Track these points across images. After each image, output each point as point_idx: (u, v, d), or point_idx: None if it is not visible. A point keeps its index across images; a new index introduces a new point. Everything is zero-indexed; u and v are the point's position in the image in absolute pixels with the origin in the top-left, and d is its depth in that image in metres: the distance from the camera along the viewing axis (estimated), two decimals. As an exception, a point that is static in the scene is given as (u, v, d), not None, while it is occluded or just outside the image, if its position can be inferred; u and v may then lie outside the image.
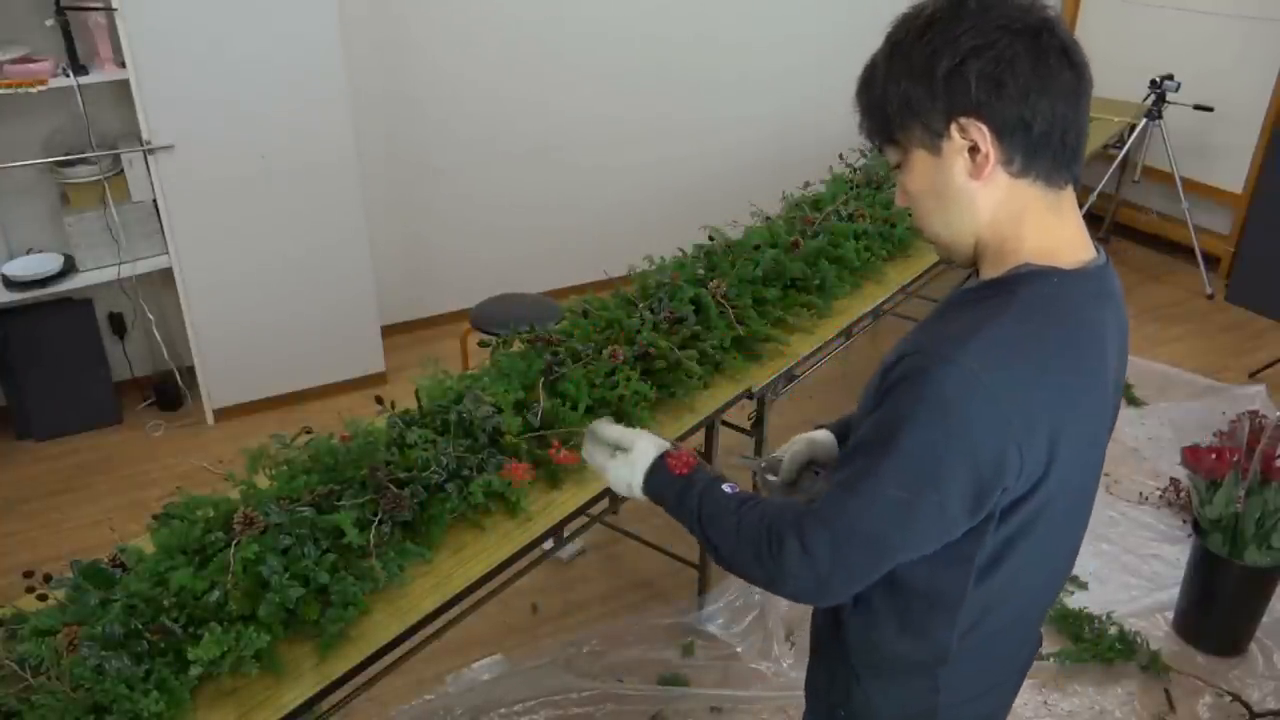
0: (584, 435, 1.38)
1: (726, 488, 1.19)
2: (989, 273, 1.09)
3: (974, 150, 1.02)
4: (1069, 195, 1.08)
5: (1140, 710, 2.46)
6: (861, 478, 1.04)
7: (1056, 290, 1.05)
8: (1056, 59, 0.99)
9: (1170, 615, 2.72)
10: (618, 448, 1.31)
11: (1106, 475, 3.28)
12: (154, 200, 3.23)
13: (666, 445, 1.28)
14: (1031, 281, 1.05)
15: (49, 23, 2.92)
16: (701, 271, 2.54)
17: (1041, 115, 1.00)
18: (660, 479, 1.25)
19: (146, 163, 3.15)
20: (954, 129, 1.02)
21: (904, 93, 1.04)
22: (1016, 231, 1.06)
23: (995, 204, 1.05)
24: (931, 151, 1.05)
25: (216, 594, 1.49)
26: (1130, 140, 4.56)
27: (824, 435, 1.42)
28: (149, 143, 3.10)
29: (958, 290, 1.13)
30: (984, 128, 1.01)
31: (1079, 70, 1.01)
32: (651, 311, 2.32)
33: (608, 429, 1.34)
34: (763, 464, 1.44)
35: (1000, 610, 1.17)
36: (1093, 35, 5.13)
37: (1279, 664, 2.59)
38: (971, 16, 1.00)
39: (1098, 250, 1.11)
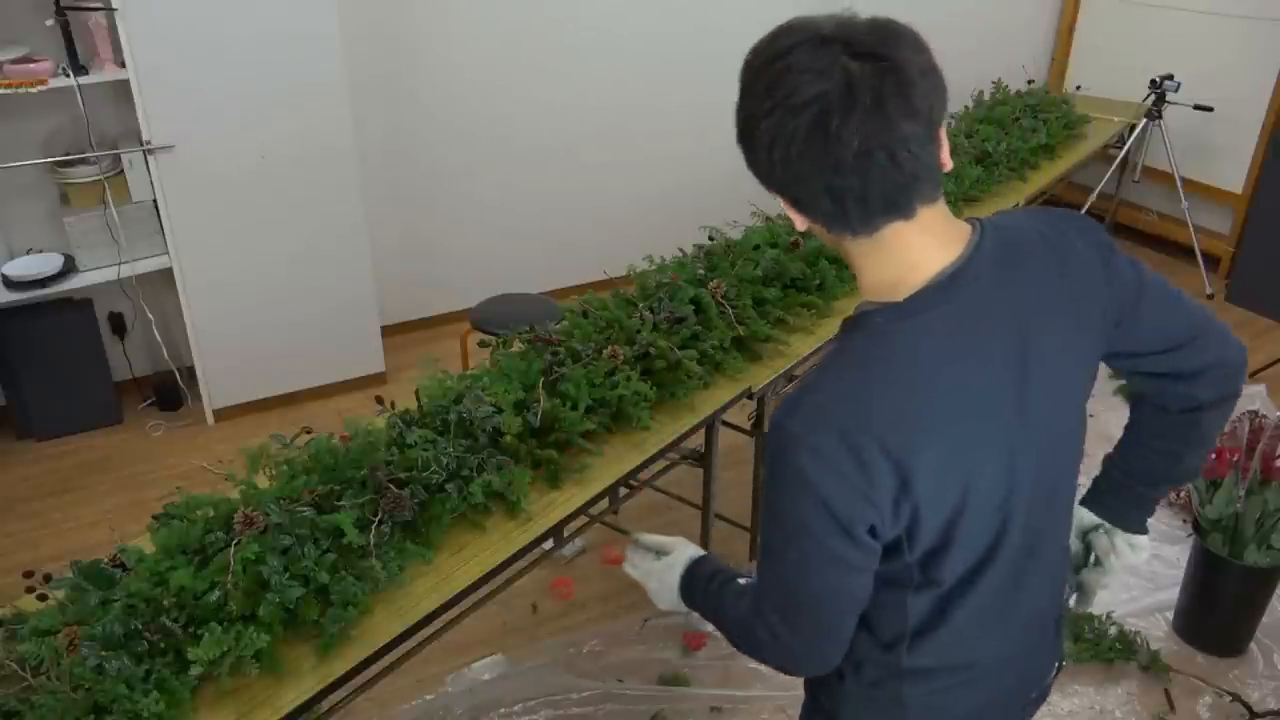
0: (627, 547, 1.43)
1: (742, 579, 1.23)
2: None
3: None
4: (909, 223, 1.01)
5: (1140, 710, 2.46)
6: (765, 547, 1.09)
7: (886, 330, 1.02)
8: (853, 119, 0.91)
9: (1170, 615, 2.72)
10: (659, 553, 1.37)
11: (1106, 475, 3.27)
12: (154, 200, 3.23)
13: (700, 554, 1.33)
14: (861, 325, 1.05)
15: (49, 23, 2.92)
16: (701, 271, 2.54)
17: (830, 191, 0.96)
18: (692, 582, 1.30)
19: (146, 163, 3.15)
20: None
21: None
22: (855, 265, 1.07)
23: (831, 244, 1.07)
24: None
25: (216, 594, 1.49)
26: (1130, 140, 4.55)
27: None
28: (149, 143, 3.10)
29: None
30: (777, 196, 1.02)
31: (894, 116, 0.92)
32: (651, 311, 2.32)
33: (649, 537, 1.41)
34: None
35: (947, 621, 1.15)
36: (1093, 35, 5.13)
37: (1279, 664, 2.59)
38: (762, 87, 0.96)
39: (975, 229, 1.07)
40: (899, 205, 1.00)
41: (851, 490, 1.00)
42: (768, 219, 2.90)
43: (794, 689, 2.46)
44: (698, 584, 1.28)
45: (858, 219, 0.99)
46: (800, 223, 1.04)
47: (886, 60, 0.93)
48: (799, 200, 1.00)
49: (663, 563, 1.34)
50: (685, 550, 1.34)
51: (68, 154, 3.15)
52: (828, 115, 0.92)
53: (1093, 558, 1.46)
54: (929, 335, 1.02)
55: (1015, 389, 1.06)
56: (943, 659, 1.18)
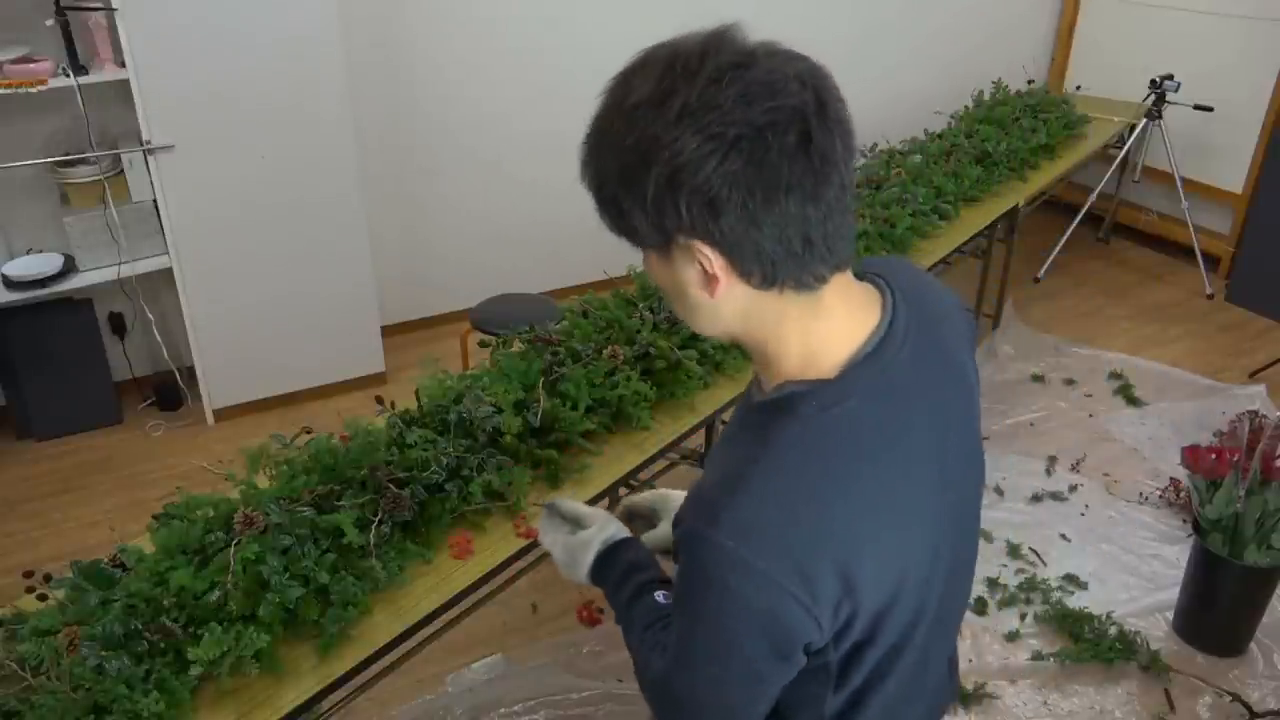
0: (542, 512, 1.31)
1: (659, 596, 1.12)
2: (765, 382, 0.97)
3: (704, 266, 0.87)
4: (834, 283, 0.91)
5: (1140, 710, 2.46)
6: (680, 654, 0.98)
7: (817, 418, 0.91)
8: (789, 158, 0.82)
9: (1170, 615, 2.72)
10: (576, 524, 1.25)
11: (1106, 475, 3.28)
12: (154, 200, 3.23)
13: (621, 536, 1.21)
14: (792, 409, 0.91)
15: (49, 23, 2.92)
16: (701, 271, 2.54)
17: (771, 228, 0.84)
18: (607, 569, 1.19)
19: (146, 163, 3.15)
20: (676, 245, 0.88)
21: (615, 197, 0.88)
22: (776, 341, 0.93)
23: (744, 313, 0.92)
24: (661, 255, 0.91)
25: (216, 594, 1.49)
26: (1130, 140, 4.56)
27: (680, 497, 1.32)
28: (149, 143, 3.10)
29: (743, 405, 1.02)
30: (706, 250, 0.86)
31: (829, 155, 0.84)
32: (651, 311, 2.32)
33: (568, 504, 1.28)
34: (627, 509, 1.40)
35: (868, 706, 1.06)
36: (1093, 35, 5.13)
37: (1279, 664, 2.59)
38: (684, 117, 0.81)
39: (883, 296, 0.98)
40: (846, 249, 0.90)
41: (796, 610, 0.88)
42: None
43: (794, 689, 2.46)
44: (611, 574, 1.18)
45: (819, 261, 0.88)
46: (716, 286, 0.88)
47: (819, 69, 0.86)
48: (744, 247, 0.85)
49: (577, 538, 1.22)
50: (604, 529, 1.21)
51: (68, 154, 3.15)
52: (808, 131, 0.82)
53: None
54: (865, 421, 0.92)
55: (939, 464, 0.98)
56: None
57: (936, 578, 1.02)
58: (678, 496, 1.33)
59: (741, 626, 0.90)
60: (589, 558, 1.20)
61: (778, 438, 0.91)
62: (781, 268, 0.87)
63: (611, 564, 1.19)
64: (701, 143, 0.81)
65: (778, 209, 0.83)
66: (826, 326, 0.93)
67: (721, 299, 0.90)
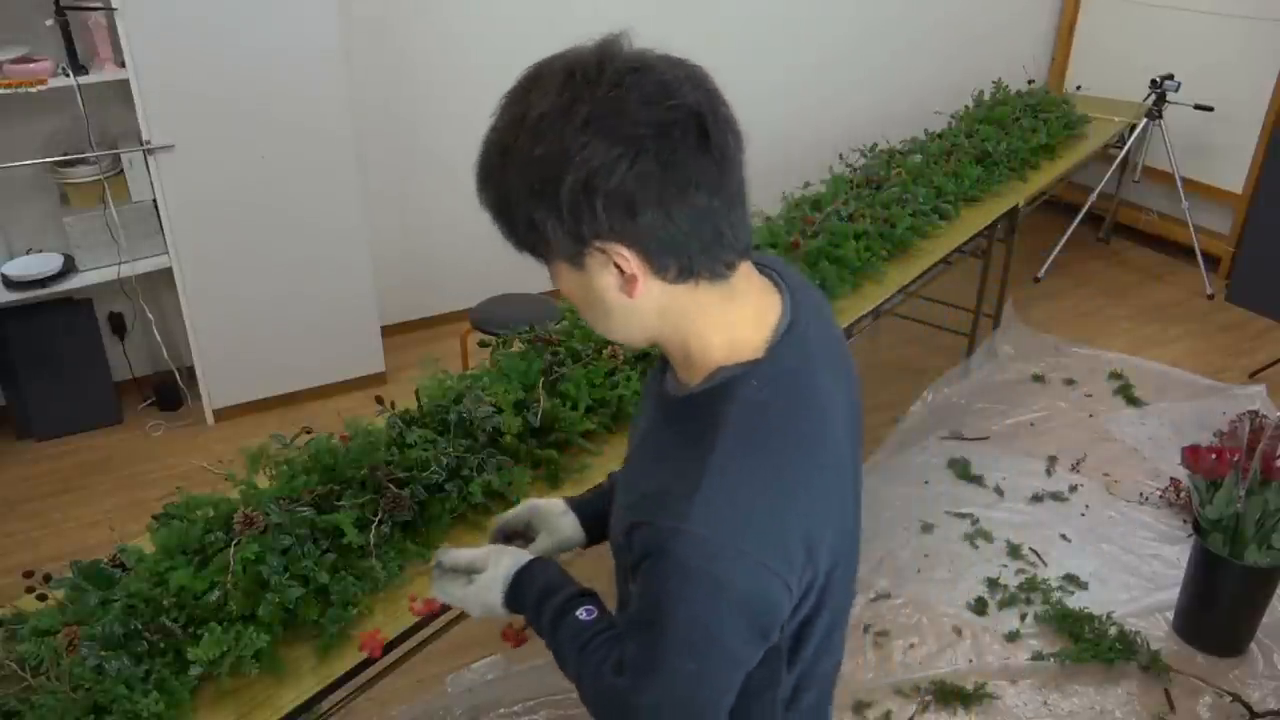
0: (433, 573, 1.25)
1: (582, 614, 1.11)
2: (685, 377, 1.00)
3: (620, 269, 0.90)
4: (741, 270, 0.96)
5: (1140, 710, 2.46)
6: (648, 661, 0.97)
7: (761, 394, 0.94)
8: (698, 158, 0.86)
9: (1170, 615, 2.72)
10: (471, 571, 1.20)
11: (1106, 475, 3.28)
12: (154, 200, 3.23)
13: (522, 561, 1.19)
14: (731, 394, 0.94)
15: (49, 23, 2.92)
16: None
17: (686, 224, 0.88)
18: (521, 596, 1.17)
19: (146, 163, 3.15)
20: (593, 250, 0.90)
21: (526, 211, 0.89)
22: (698, 333, 0.96)
23: (661, 310, 0.95)
24: (573, 266, 0.93)
25: (216, 594, 1.49)
26: (1130, 140, 4.56)
27: (570, 529, 1.33)
28: (149, 143, 3.10)
29: (665, 396, 1.03)
30: (624, 251, 0.89)
31: (727, 151, 0.89)
32: (651, 311, 2.32)
33: (455, 556, 1.22)
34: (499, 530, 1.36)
35: (811, 680, 1.11)
36: (1093, 35, 5.13)
37: (1279, 664, 2.59)
38: (590, 124, 0.84)
39: (777, 285, 1.02)
40: (749, 237, 0.95)
41: (778, 586, 0.92)
42: (767, 219, 2.90)
43: (794, 689, 2.46)
44: (525, 606, 1.16)
45: (729, 250, 0.92)
46: (634, 286, 0.91)
47: (702, 70, 0.90)
48: (660, 243, 0.88)
49: (476, 585, 1.18)
50: (500, 563, 1.18)
51: (68, 154, 3.15)
52: (705, 129, 0.86)
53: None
54: (803, 390, 0.97)
55: (852, 429, 1.04)
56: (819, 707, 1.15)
57: (855, 539, 1.10)
58: (547, 505, 1.32)
59: (725, 613, 0.91)
60: (497, 600, 1.17)
61: (726, 422, 0.93)
62: (697, 260, 0.91)
63: (522, 597, 1.16)
64: (611, 146, 0.84)
65: (689, 204, 0.87)
66: (743, 311, 0.97)
67: (640, 299, 0.93)
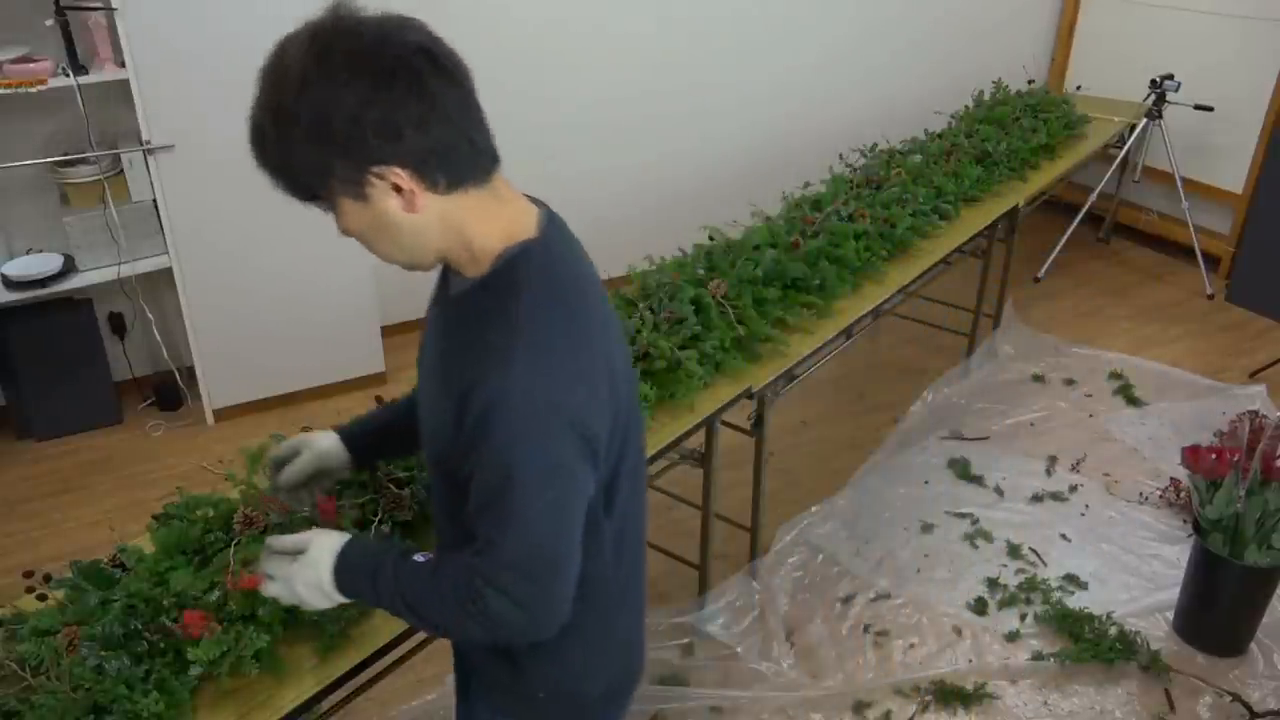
0: (260, 559, 1.30)
1: (419, 558, 1.19)
2: (473, 272, 1.14)
3: (399, 189, 1.04)
4: (498, 176, 1.13)
5: (1140, 710, 2.46)
6: (505, 517, 1.08)
7: (543, 258, 1.13)
8: (436, 81, 1.01)
9: (1170, 615, 2.72)
10: (297, 553, 1.25)
11: (1106, 475, 3.28)
12: (154, 200, 3.23)
13: (346, 537, 1.25)
14: (519, 265, 1.11)
15: (49, 23, 2.92)
16: (701, 271, 2.54)
17: (443, 137, 1.03)
18: (351, 569, 1.21)
19: (146, 163, 3.15)
20: (371, 178, 1.03)
21: (307, 157, 1.02)
22: (477, 231, 1.11)
23: (442, 220, 1.09)
24: (357, 199, 1.06)
25: (216, 594, 1.49)
26: (1130, 140, 4.56)
27: (330, 443, 1.49)
28: (149, 143, 3.10)
29: (453, 298, 1.19)
30: (399, 170, 1.03)
31: (457, 76, 1.05)
32: (651, 311, 2.32)
33: (281, 539, 1.28)
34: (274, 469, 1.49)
35: (625, 535, 1.28)
36: (1093, 35, 5.13)
37: (1279, 664, 2.59)
38: (344, 68, 0.99)
39: (535, 202, 1.21)
40: (489, 144, 1.11)
41: (598, 406, 1.11)
42: (767, 219, 2.90)
43: (795, 689, 2.46)
44: (359, 573, 1.21)
45: (485, 156, 1.09)
46: (415, 202, 1.05)
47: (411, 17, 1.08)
48: (427, 159, 1.03)
49: (300, 562, 1.23)
50: (323, 541, 1.24)
51: (68, 154, 3.15)
52: (436, 56, 1.02)
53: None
54: (576, 257, 1.19)
55: (609, 312, 1.24)
56: (631, 579, 1.34)
57: (637, 408, 1.28)
58: (314, 434, 1.50)
59: (562, 434, 1.07)
60: (325, 573, 1.22)
61: (523, 284, 1.10)
62: (460, 169, 1.07)
63: (353, 568, 1.22)
64: (367, 82, 0.98)
65: (441, 121, 1.02)
66: (511, 207, 1.15)
67: (422, 213, 1.07)
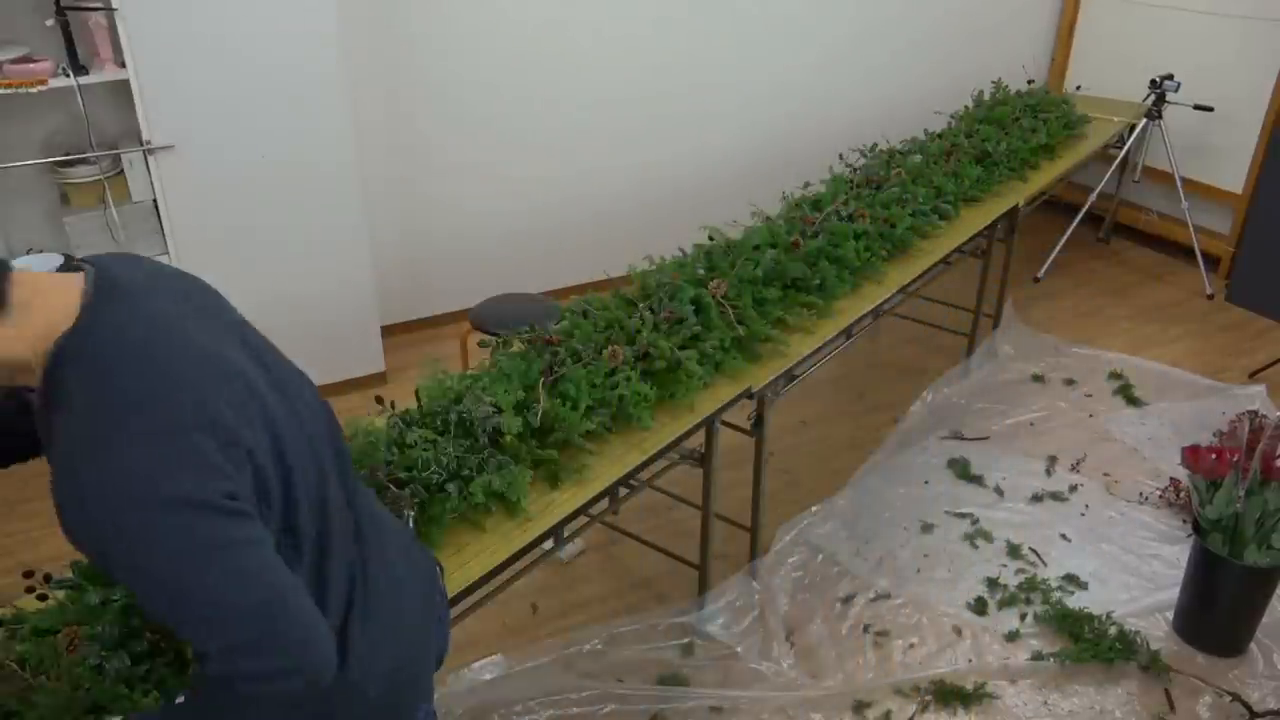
0: None
1: (180, 700, 1.17)
2: (36, 383, 1.09)
3: None
4: (17, 286, 1.07)
5: (1140, 710, 2.46)
6: (190, 615, 1.04)
7: (83, 348, 1.05)
8: None
9: (1170, 615, 2.72)
10: None
11: (1106, 475, 3.28)
12: (154, 200, 3.23)
13: None
14: (58, 369, 1.05)
15: (49, 23, 2.92)
16: (701, 271, 2.54)
17: None
18: None
19: (146, 163, 3.15)
20: None
21: None
22: (16, 350, 1.06)
23: None
24: None
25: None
26: (1130, 140, 4.56)
27: None
28: (149, 143, 3.10)
29: (38, 416, 1.12)
30: None
31: None
32: (651, 311, 2.32)
33: None
34: None
35: (329, 562, 1.24)
36: (1093, 35, 5.13)
37: (1279, 664, 2.59)
38: None
39: (81, 266, 1.13)
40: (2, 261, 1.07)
41: (199, 465, 1.03)
42: (767, 219, 2.90)
43: (795, 689, 2.46)
44: None
45: None
46: None
47: None
48: None
49: None
50: None
51: (68, 154, 3.15)
52: None
53: None
54: (131, 322, 1.09)
55: (239, 341, 1.23)
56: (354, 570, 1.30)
57: (316, 439, 1.23)
58: None
59: (184, 517, 1.01)
60: None
61: (72, 395, 1.04)
62: None
63: None
64: None
65: None
66: (40, 312, 1.07)
67: None
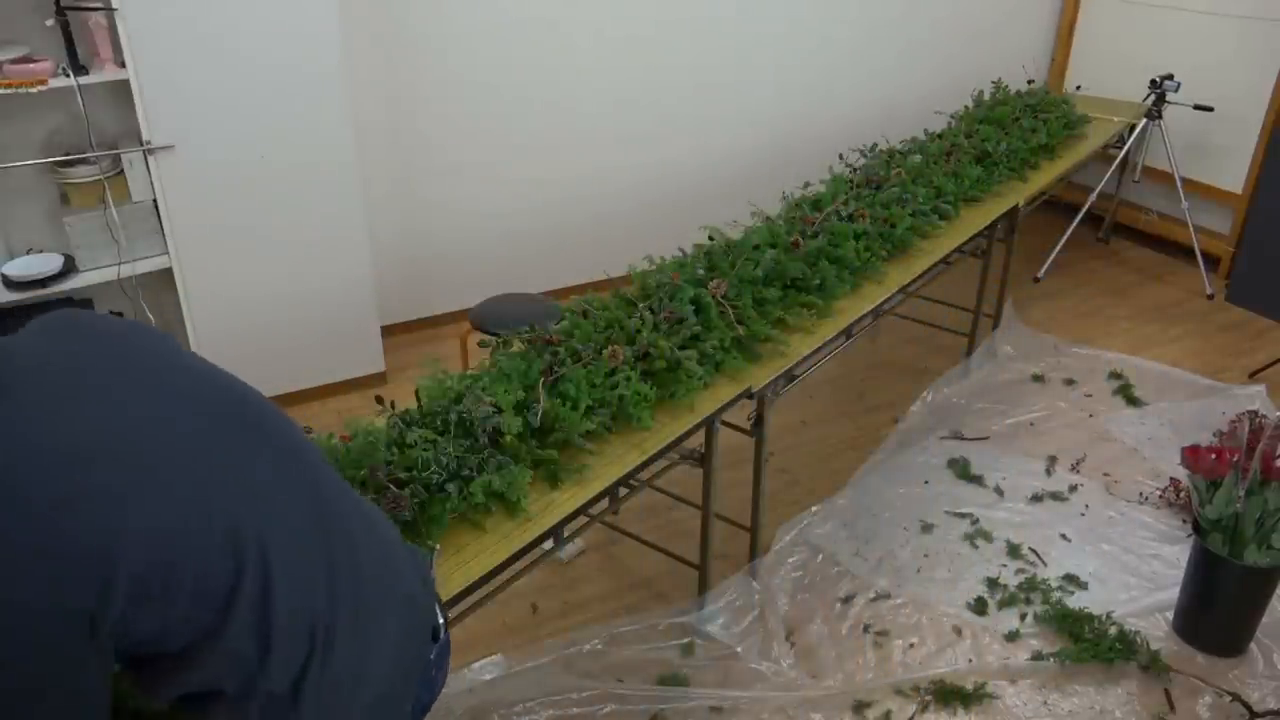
0: None
1: None
2: None
3: None
4: None
5: (1140, 710, 2.46)
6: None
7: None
8: None
9: (1170, 615, 2.72)
10: None
11: (1106, 475, 3.28)
12: (154, 200, 3.23)
13: None
14: None
15: (49, 23, 2.92)
16: (701, 271, 2.54)
17: None
18: None
19: (146, 163, 3.15)
20: None
21: None
22: None
23: None
24: None
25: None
26: (1130, 140, 4.56)
27: None
28: (149, 143, 3.10)
29: None
30: None
31: None
32: (651, 311, 2.32)
33: None
34: None
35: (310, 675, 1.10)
36: (1093, 35, 5.13)
37: (1279, 664, 2.59)
38: None
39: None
40: None
41: (44, 595, 0.86)
42: (768, 219, 2.90)
43: (795, 689, 2.46)
44: None
45: None
46: None
47: None
48: None
49: None
50: None
51: (68, 154, 3.15)
52: None
53: None
54: (30, 402, 0.93)
55: (163, 395, 1.05)
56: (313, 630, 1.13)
57: (255, 514, 1.03)
58: None
59: (16, 661, 0.86)
60: None
61: None
62: None
63: None
64: None
65: None
66: None
67: None
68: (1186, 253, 4.63)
